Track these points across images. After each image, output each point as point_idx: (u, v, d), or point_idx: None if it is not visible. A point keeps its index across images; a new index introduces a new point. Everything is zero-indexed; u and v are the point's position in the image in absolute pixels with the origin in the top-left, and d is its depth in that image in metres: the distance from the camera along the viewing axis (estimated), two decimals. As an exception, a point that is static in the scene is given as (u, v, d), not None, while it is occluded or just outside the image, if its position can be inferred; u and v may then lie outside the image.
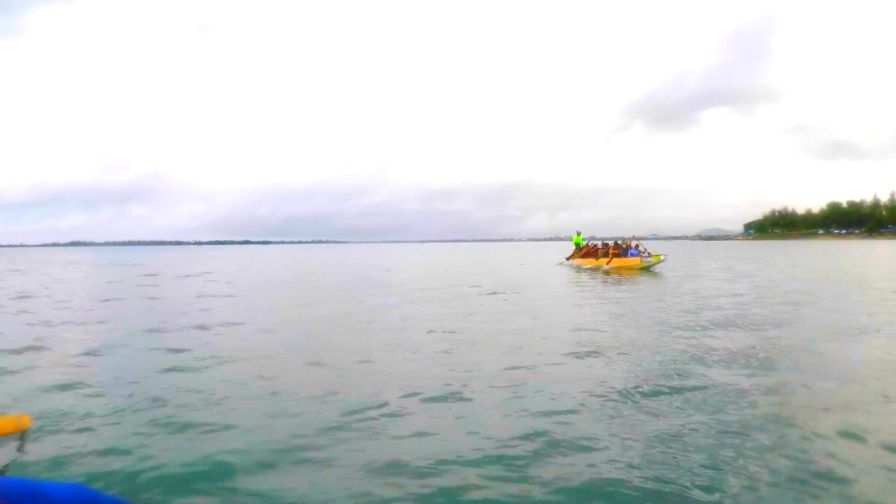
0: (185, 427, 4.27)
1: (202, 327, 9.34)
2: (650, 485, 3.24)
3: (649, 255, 23.74)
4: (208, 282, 21.30)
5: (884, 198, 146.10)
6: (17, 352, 7.46)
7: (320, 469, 3.53)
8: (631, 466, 3.48)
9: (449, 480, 3.35)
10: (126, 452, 3.79)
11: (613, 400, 4.87)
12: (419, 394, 5.13)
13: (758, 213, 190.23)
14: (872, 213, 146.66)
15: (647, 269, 22.97)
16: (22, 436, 3.32)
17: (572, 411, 4.57)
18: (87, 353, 7.25)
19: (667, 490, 3.17)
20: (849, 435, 3.96)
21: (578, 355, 6.75)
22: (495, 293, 14.87)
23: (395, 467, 3.54)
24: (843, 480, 3.29)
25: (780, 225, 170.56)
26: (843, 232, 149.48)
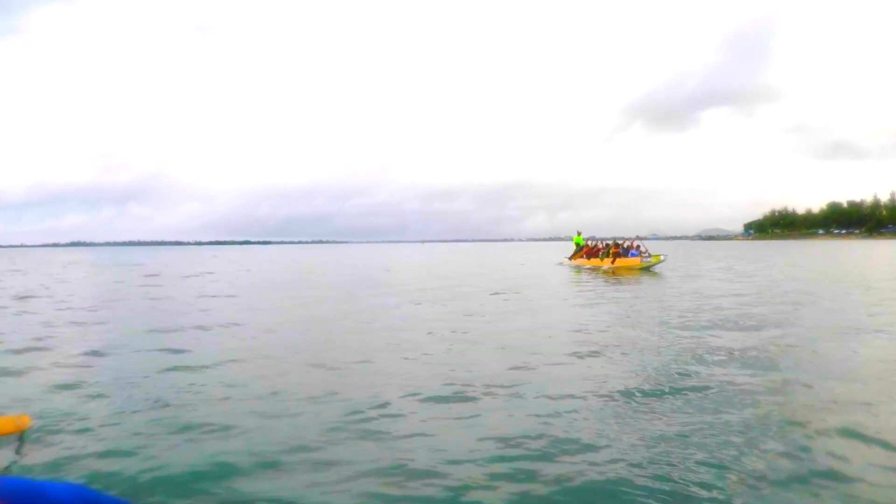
0: (185, 427, 4.26)
1: (203, 328, 9.35)
2: (652, 484, 3.23)
3: (649, 255, 23.75)
4: (209, 282, 21.31)
5: (884, 198, 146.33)
6: (18, 352, 7.46)
7: (321, 470, 3.52)
8: (633, 466, 3.48)
9: (450, 481, 3.34)
10: (126, 452, 3.79)
11: (615, 400, 4.87)
12: (420, 394, 5.12)
13: (758, 213, 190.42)
14: (872, 213, 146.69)
15: (647, 269, 22.98)
16: (22, 435, 3.33)
17: (574, 411, 4.57)
18: (87, 354, 7.25)
19: (669, 489, 3.16)
20: (850, 434, 3.96)
21: (579, 355, 6.74)
22: (496, 293, 14.87)
23: (396, 468, 3.53)
24: (844, 480, 3.29)
25: (780, 225, 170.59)
26: (843, 232, 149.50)
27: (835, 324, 9.00)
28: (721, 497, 3.08)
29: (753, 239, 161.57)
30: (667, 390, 5.09)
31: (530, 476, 3.40)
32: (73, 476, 3.39)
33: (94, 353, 7.27)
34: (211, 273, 26.97)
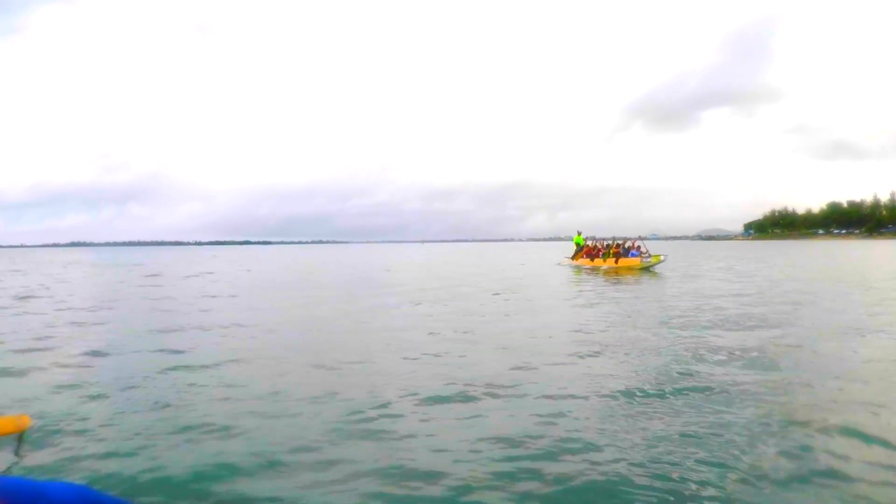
0: (185, 428, 4.26)
1: (203, 328, 9.35)
2: (653, 483, 3.23)
3: (649, 255, 23.77)
4: (209, 282, 21.31)
5: (884, 198, 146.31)
6: (18, 352, 7.46)
7: (321, 470, 3.52)
8: (634, 465, 3.48)
9: (451, 481, 3.34)
10: (126, 452, 3.79)
11: (616, 399, 4.86)
12: (421, 394, 5.12)
13: (758, 213, 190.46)
14: (872, 213, 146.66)
15: (647, 270, 22.99)
16: (22, 435, 3.33)
17: (575, 411, 4.57)
18: (87, 354, 7.25)
19: (670, 488, 3.16)
20: (851, 434, 3.96)
21: (580, 355, 6.74)
22: (496, 293, 14.86)
23: (396, 468, 3.53)
24: (845, 479, 3.29)
25: (780, 225, 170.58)
26: (843, 232, 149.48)
27: (835, 324, 8.99)
28: (722, 496, 3.08)
29: (753, 239, 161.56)
30: (667, 390, 5.09)
31: (531, 476, 3.39)
32: (73, 476, 3.39)
33: (94, 353, 7.27)
34: (211, 273, 26.97)
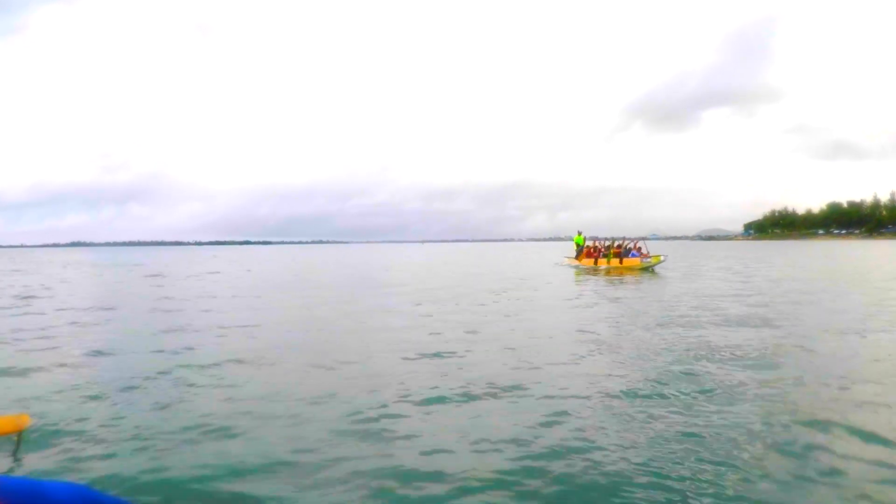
0: (185, 428, 4.26)
1: (203, 328, 9.35)
2: (655, 482, 3.23)
3: (649, 256, 23.80)
4: (209, 282, 21.31)
5: (884, 198, 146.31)
6: (18, 351, 7.46)
7: (321, 471, 3.51)
8: (636, 465, 3.47)
9: (453, 482, 3.34)
10: (126, 452, 3.79)
11: (618, 399, 4.86)
12: (421, 395, 5.12)
13: (758, 213, 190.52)
14: (872, 213, 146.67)
15: (647, 270, 23.01)
16: (21, 435, 3.33)
17: (577, 411, 4.56)
18: (87, 354, 7.25)
19: (671, 487, 3.16)
20: (852, 432, 3.96)
21: (582, 355, 6.74)
22: (496, 293, 14.86)
23: (397, 469, 3.53)
24: (847, 478, 3.29)
25: (780, 225, 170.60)
26: (843, 232, 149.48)
27: (835, 323, 8.99)
28: (724, 495, 3.08)
29: (753, 239, 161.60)
30: (669, 390, 5.09)
31: (534, 475, 3.39)
32: (72, 475, 3.39)
33: (94, 353, 7.27)
34: (211, 273, 26.97)
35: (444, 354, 6.89)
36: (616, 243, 26.01)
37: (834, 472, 3.39)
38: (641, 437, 3.96)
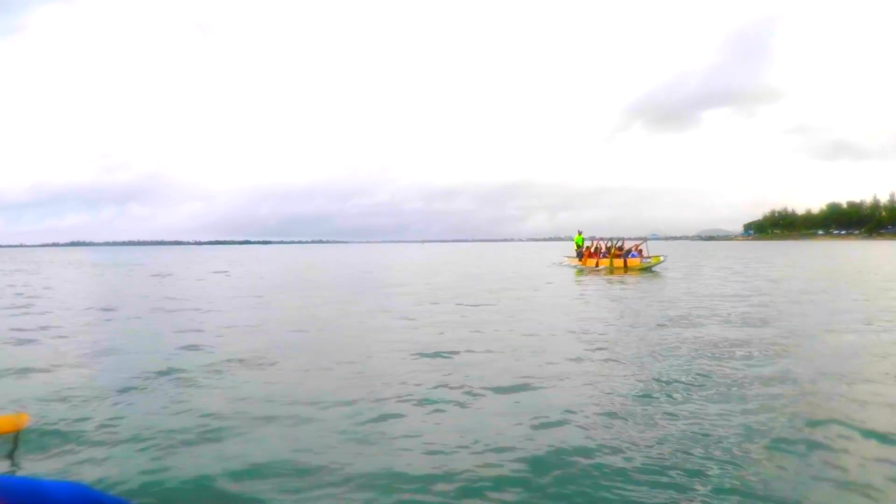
0: (185, 429, 4.24)
1: (204, 329, 9.34)
2: (658, 480, 3.22)
3: (649, 257, 23.82)
4: (210, 283, 21.31)
5: (883, 199, 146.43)
6: (18, 350, 7.46)
7: (322, 472, 3.50)
8: (638, 464, 3.47)
9: (455, 483, 3.33)
10: (125, 452, 3.78)
11: (619, 398, 4.86)
12: (423, 396, 5.11)
13: (758, 213, 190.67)
14: (872, 213, 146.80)
15: (647, 270, 23.02)
16: (20, 434, 3.32)
17: (579, 410, 4.55)
18: (87, 354, 7.25)
19: (675, 486, 3.15)
20: (853, 430, 3.97)
21: (582, 355, 6.74)
22: (496, 293, 14.86)
23: (398, 471, 3.52)
24: (848, 475, 3.29)
25: (780, 225, 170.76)
26: (843, 232, 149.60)
27: (835, 323, 9.00)
28: (724, 492, 3.07)
29: (753, 239, 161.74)
30: (669, 389, 5.09)
31: (534, 475, 3.38)
32: (72, 475, 3.38)
33: (94, 354, 7.26)
34: (213, 273, 26.97)
35: (445, 354, 6.89)
36: (616, 244, 25.99)
37: (834, 469, 3.40)
38: (642, 436, 3.95)
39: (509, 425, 4.25)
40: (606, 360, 6.45)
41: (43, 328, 9.36)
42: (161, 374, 5.96)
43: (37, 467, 3.45)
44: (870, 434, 3.95)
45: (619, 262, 24.25)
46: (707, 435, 3.94)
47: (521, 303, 12.74)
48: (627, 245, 25.43)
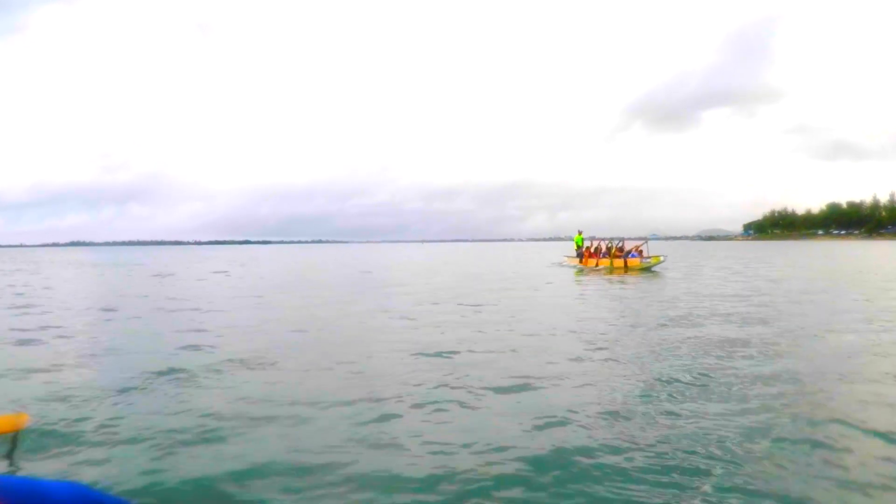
0: (185, 429, 4.23)
1: (204, 329, 9.33)
2: (660, 479, 3.22)
3: (649, 257, 23.82)
4: (210, 283, 21.30)
5: (883, 199, 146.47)
6: (18, 350, 7.45)
7: (322, 474, 3.50)
8: (639, 464, 3.46)
9: (456, 484, 3.32)
10: (125, 452, 3.78)
11: (621, 397, 4.86)
12: (423, 397, 5.11)
13: (758, 213, 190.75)
14: (872, 213, 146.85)
15: (647, 270, 23.03)
16: (20, 434, 3.32)
17: (581, 410, 4.54)
18: (87, 354, 7.24)
19: (674, 485, 3.15)
20: (852, 429, 3.97)
21: (583, 355, 6.73)
22: (497, 293, 14.86)
23: (398, 471, 3.52)
24: (849, 473, 3.29)
25: (780, 225, 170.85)
26: (843, 232, 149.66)
27: (836, 323, 9.00)
28: (724, 490, 3.07)
29: (753, 239, 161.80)
30: (670, 389, 5.08)
31: (536, 476, 3.38)
32: (71, 475, 3.37)
33: (94, 354, 7.26)
34: (212, 273, 26.96)
35: (445, 354, 6.88)
36: (616, 245, 25.97)
37: (835, 468, 3.39)
38: (643, 436, 3.95)
39: (510, 425, 4.24)
40: (607, 360, 6.45)
41: (43, 328, 9.35)
42: (161, 374, 5.95)
43: (36, 467, 3.45)
44: (870, 433, 3.95)
45: (619, 263, 24.27)
46: (708, 434, 3.94)
47: (522, 303, 12.73)
48: (628, 246, 25.43)
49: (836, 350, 6.99)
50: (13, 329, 9.34)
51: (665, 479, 3.27)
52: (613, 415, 4.45)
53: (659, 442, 3.83)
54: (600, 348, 7.14)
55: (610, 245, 26.31)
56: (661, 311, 10.65)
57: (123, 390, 5.32)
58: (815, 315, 10.03)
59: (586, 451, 3.71)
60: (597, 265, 25.47)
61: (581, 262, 27.07)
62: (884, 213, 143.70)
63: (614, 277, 20.39)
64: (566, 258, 29.16)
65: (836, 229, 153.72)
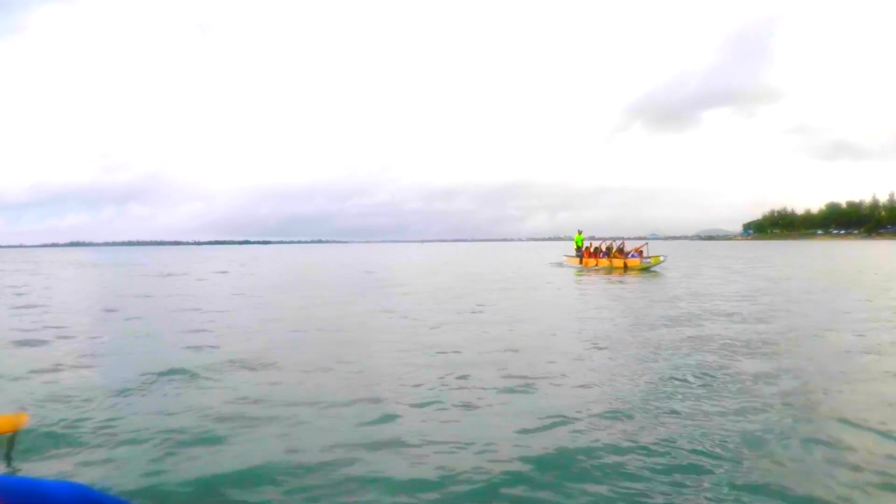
0: (185, 430, 4.22)
1: (204, 330, 9.32)
2: (659, 480, 3.22)
3: (649, 258, 23.82)
4: (210, 283, 21.29)
5: (883, 198, 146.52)
6: (18, 351, 7.44)
7: (321, 474, 3.49)
8: (640, 464, 3.46)
9: (457, 485, 3.32)
10: (124, 453, 3.77)
11: (620, 398, 4.85)
12: (423, 397, 5.10)
13: (757, 213, 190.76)
14: (871, 213, 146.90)
15: (647, 270, 23.03)
16: (18, 434, 3.31)
17: (580, 410, 4.54)
18: (87, 354, 7.23)
19: (674, 484, 3.14)
20: (852, 429, 3.97)
21: (584, 355, 6.73)
22: (497, 293, 14.85)
23: (398, 472, 3.51)
24: (847, 471, 3.28)
25: (780, 225, 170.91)
26: (842, 232, 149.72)
27: (836, 323, 9.00)
28: (725, 489, 3.06)
29: (752, 239, 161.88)
30: (670, 388, 5.08)
31: (537, 476, 3.37)
32: (70, 475, 3.37)
33: (94, 354, 7.25)
34: (212, 273, 26.95)
35: (446, 354, 6.88)
36: (616, 246, 25.96)
37: (836, 468, 3.39)
38: (644, 435, 3.94)
39: (510, 425, 4.23)
40: (607, 360, 6.44)
41: (42, 328, 9.34)
42: (161, 374, 5.94)
43: (36, 467, 3.44)
44: (872, 432, 3.95)
45: (618, 263, 24.27)
46: (709, 434, 3.93)
47: (522, 302, 12.72)
48: (629, 247, 25.42)
49: (837, 349, 6.99)
50: (13, 329, 9.33)
51: (667, 479, 3.27)
52: (614, 414, 4.44)
53: (660, 441, 3.82)
54: (601, 348, 7.13)
55: (610, 246, 26.31)
56: (661, 310, 10.65)
57: (123, 390, 5.31)
58: (816, 314, 10.03)
59: (587, 451, 3.71)
60: (597, 265, 25.47)
61: (581, 261, 27.08)
62: (883, 213, 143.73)
63: (614, 277, 20.38)
64: (566, 258, 29.16)
65: (835, 229, 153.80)
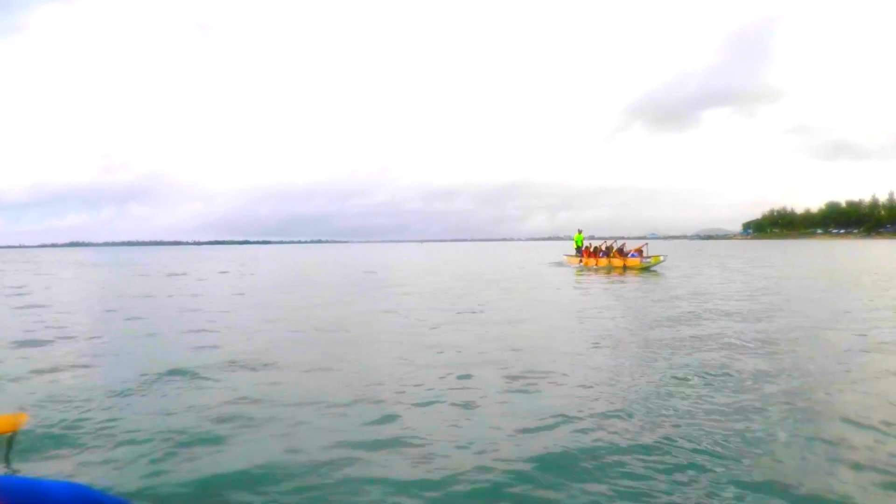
0: (184, 430, 4.22)
1: (204, 330, 9.31)
2: (660, 480, 3.21)
3: (649, 258, 23.82)
4: (210, 283, 21.28)
5: (882, 198, 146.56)
6: (18, 351, 7.43)
7: (320, 475, 3.48)
8: (640, 464, 3.46)
9: (458, 485, 3.31)
10: (124, 453, 3.76)
11: (621, 397, 4.85)
12: (423, 397, 5.10)
13: (757, 213, 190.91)
14: (871, 212, 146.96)
15: (647, 269, 23.02)
16: (17, 434, 3.31)
17: (581, 410, 4.53)
18: (87, 355, 7.23)
19: (675, 484, 3.14)
20: (852, 428, 3.96)
21: (584, 354, 6.73)
22: (497, 292, 14.84)
23: (398, 473, 3.50)
24: (847, 470, 3.28)
25: (779, 224, 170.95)
26: (842, 231, 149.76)
27: (836, 322, 8.99)
28: (724, 488, 3.06)
29: (752, 238, 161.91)
30: (671, 388, 5.08)
31: (537, 476, 3.37)
32: (69, 475, 3.36)
33: (94, 354, 7.25)
34: (212, 273, 26.94)
35: (446, 354, 6.88)
36: (616, 247, 25.94)
37: (836, 467, 3.39)
38: (645, 435, 3.94)
39: (511, 424, 4.23)
40: (608, 360, 6.44)
41: (43, 328, 9.33)
42: (161, 374, 5.94)
43: (35, 467, 3.43)
44: (873, 431, 3.95)
45: (618, 262, 24.27)
46: (709, 433, 3.93)
47: (522, 302, 12.72)
48: (629, 247, 25.41)
49: (838, 348, 6.99)
50: (13, 329, 9.32)
51: (667, 478, 3.26)
52: (615, 414, 4.44)
53: (661, 441, 3.82)
54: (601, 347, 7.13)
55: (610, 246, 26.29)
56: (661, 310, 10.64)
57: (123, 390, 5.30)
58: (816, 313, 10.03)
59: (588, 451, 3.70)
60: (597, 265, 25.46)
61: (581, 261, 27.07)
62: (882, 213, 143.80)
63: (614, 277, 20.38)
64: (566, 258, 29.16)
65: (834, 228, 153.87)
